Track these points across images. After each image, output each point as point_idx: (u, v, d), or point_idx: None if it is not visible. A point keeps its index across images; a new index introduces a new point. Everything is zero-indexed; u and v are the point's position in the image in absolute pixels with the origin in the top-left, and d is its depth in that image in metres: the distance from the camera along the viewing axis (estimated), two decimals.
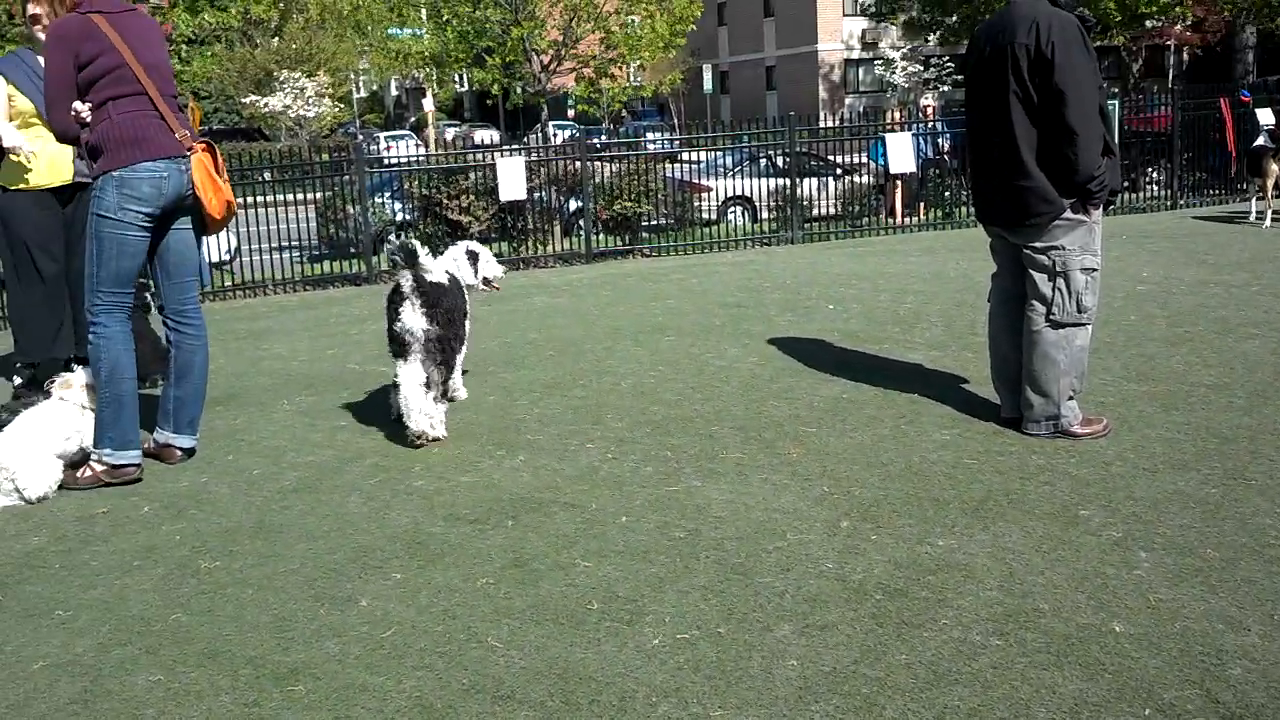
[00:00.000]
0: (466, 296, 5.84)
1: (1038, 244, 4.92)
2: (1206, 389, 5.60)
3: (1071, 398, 5.00)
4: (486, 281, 6.11)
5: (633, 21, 21.31)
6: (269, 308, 10.44)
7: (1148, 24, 32.56)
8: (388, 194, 13.71)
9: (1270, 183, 10.85)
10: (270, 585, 3.86)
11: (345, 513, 4.50)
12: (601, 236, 13.25)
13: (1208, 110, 14.40)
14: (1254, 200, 11.44)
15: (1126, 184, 15.06)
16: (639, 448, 5.13)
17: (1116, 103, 14.30)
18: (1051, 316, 4.93)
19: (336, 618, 3.59)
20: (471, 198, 12.72)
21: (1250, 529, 4.00)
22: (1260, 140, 11.35)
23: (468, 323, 5.79)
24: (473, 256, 6.05)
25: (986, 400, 5.48)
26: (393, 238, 6.04)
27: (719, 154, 16.77)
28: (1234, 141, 13.72)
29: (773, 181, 14.58)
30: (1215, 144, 14.37)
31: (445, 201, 12.67)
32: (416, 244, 5.32)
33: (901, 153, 13.78)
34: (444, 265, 5.76)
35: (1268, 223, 10.83)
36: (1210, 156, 14.71)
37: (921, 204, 14.94)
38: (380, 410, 5.92)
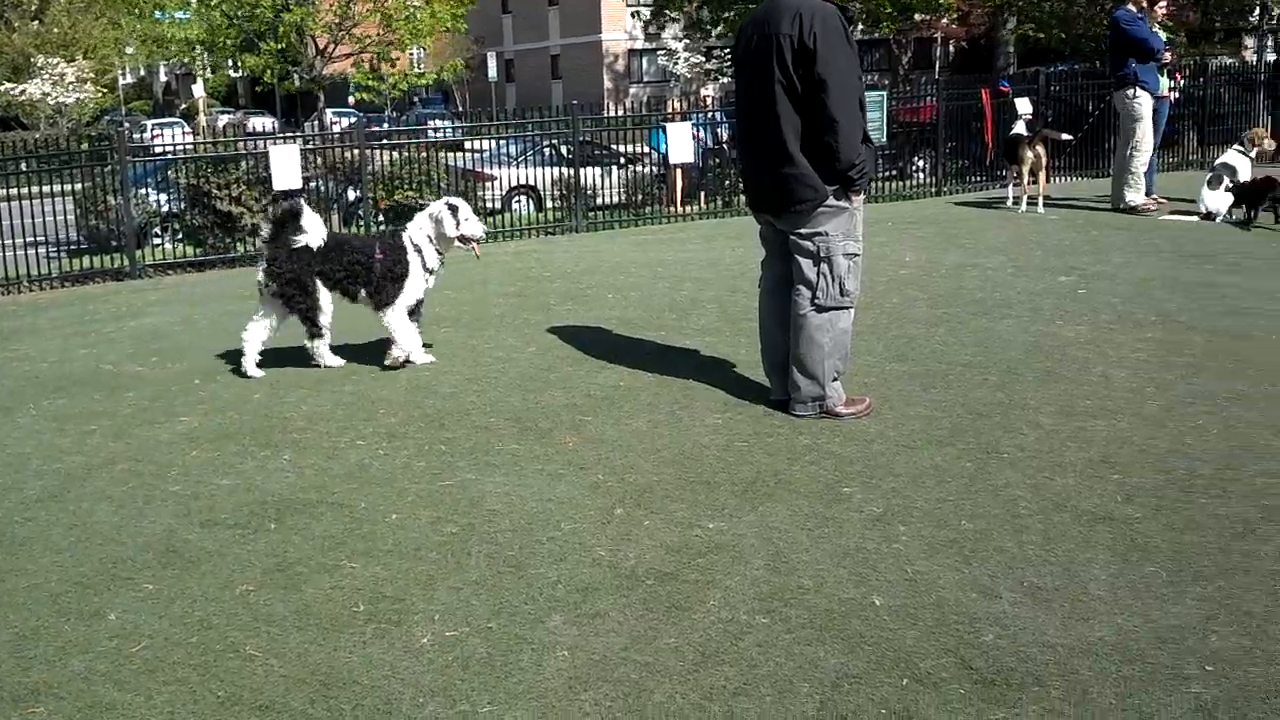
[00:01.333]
0: (414, 255, 6.14)
1: (803, 230, 5.04)
2: (963, 367, 5.86)
3: (836, 379, 5.14)
4: (464, 239, 6.23)
5: (411, 6, 20.93)
6: (20, 306, 9.79)
7: (916, 17, 33.96)
8: (152, 184, 13.07)
9: (1026, 169, 11.42)
10: (10, 602, 3.60)
11: (94, 522, 4.24)
12: (382, 227, 12.96)
13: (970, 101, 15.10)
14: (1011, 186, 12.05)
15: (895, 171, 15.67)
16: (412, 442, 5.01)
17: (884, 94, 14.86)
18: (816, 300, 5.06)
19: (82, 633, 3.38)
20: (243, 188, 12.25)
21: (1002, 499, 4.20)
22: (1017, 129, 11.95)
23: (409, 280, 6.11)
24: (453, 209, 6.21)
25: (758, 383, 5.59)
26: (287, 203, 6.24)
27: (503, 142, 16.64)
28: (993, 130, 14.41)
29: (557, 170, 14.56)
30: (977, 133, 15.08)
31: (215, 191, 12.16)
32: (302, 207, 6.04)
33: (681, 142, 13.96)
34: (419, 219, 6.23)
35: (1023, 208, 11.42)
36: (973, 145, 15.43)
37: (702, 193, 15.18)
38: (137, 412, 5.63)
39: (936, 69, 45.80)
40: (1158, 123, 11.36)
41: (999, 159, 13.74)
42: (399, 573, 3.71)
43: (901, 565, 3.68)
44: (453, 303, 8.22)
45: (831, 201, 4.97)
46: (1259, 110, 17.28)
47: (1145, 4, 11.09)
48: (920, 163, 15.96)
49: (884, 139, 14.37)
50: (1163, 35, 11.55)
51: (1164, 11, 12.32)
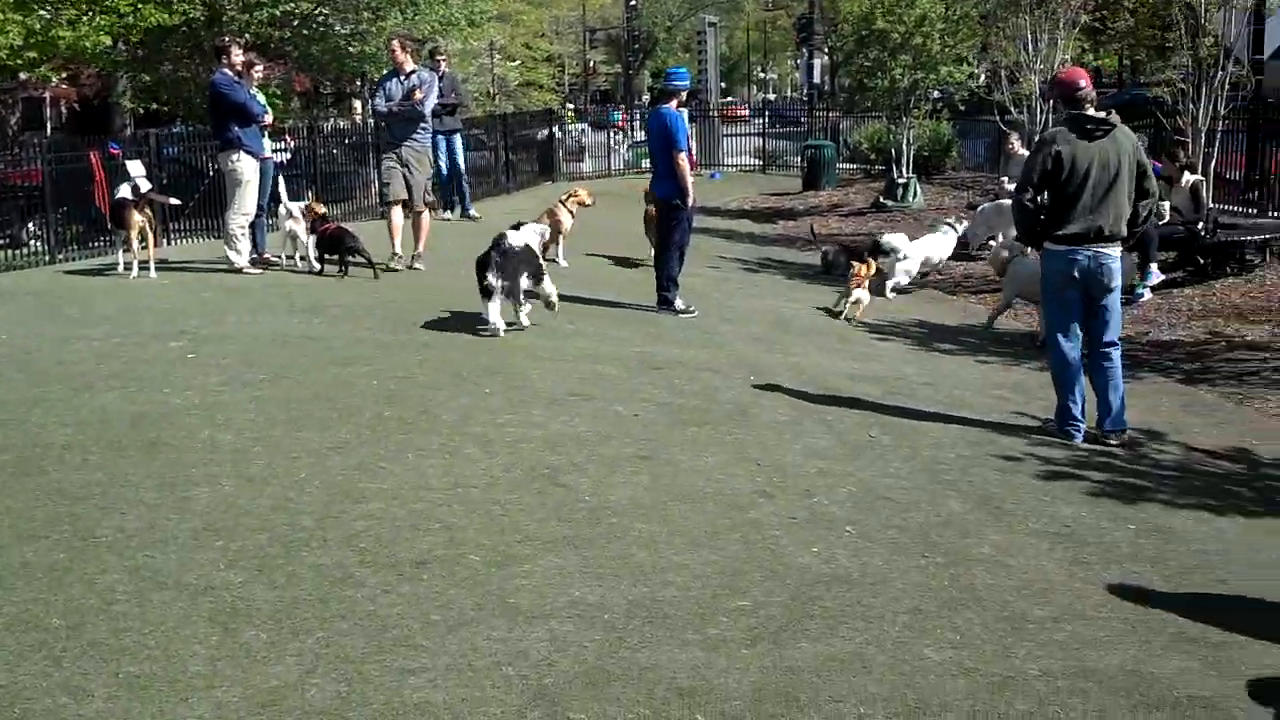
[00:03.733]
0: None
1: None
2: (61, 449, 5.45)
3: None
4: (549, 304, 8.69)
5: None
6: None
7: (22, 76, 31.69)
8: None
9: (134, 234, 11.03)
10: None
11: None
12: None
13: (82, 164, 14.43)
14: (121, 252, 11.55)
15: (5, 241, 14.49)
16: None
17: None
18: None
19: None
20: None
21: (98, 588, 3.97)
22: (122, 192, 11.53)
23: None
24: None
25: None
26: None
27: None
28: (105, 194, 13.87)
29: None
30: (90, 196, 14.45)
31: None
32: (503, 239, 8.22)
33: None
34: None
35: (134, 273, 11.02)
36: (91, 209, 14.73)
37: None
38: None
39: (49, 129, 43.23)
40: (264, 184, 11.66)
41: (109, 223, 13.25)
42: None
43: None
44: None
45: None
46: (370, 167, 18.70)
47: (242, 68, 11.37)
48: (34, 229, 14.93)
49: None
50: (262, 99, 11.93)
51: (261, 75, 12.73)
